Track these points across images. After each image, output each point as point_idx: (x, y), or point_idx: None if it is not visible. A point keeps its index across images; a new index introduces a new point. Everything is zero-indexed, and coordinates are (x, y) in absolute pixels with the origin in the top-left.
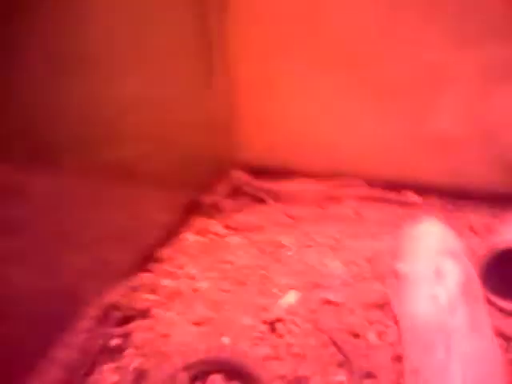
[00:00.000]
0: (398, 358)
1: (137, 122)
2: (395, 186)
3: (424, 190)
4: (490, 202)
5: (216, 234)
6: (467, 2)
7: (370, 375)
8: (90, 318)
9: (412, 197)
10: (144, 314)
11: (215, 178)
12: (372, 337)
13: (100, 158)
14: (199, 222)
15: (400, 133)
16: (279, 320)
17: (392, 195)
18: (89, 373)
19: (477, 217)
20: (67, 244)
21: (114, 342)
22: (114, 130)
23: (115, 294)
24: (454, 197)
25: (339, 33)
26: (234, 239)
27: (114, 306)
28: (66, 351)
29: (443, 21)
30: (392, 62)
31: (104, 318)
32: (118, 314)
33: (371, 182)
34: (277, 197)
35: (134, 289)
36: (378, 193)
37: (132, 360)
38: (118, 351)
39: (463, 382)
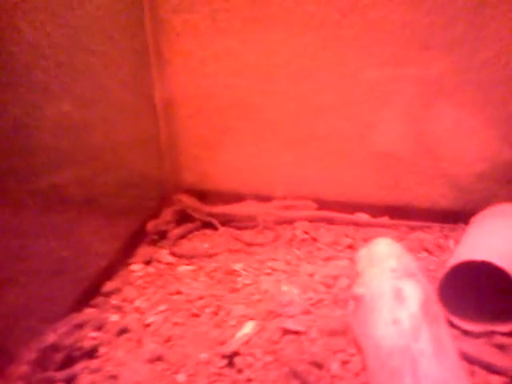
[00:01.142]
0: None
1: (73, 145)
2: (346, 206)
3: (375, 210)
4: (439, 219)
5: (164, 263)
6: (404, 20)
7: None
8: (26, 362)
9: (364, 217)
10: (90, 353)
11: (160, 204)
12: (335, 367)
13: (34, 185)
14: (146, 250)
15: (344, 152)
16: (237, 353)
17: (344, 216)
18: None
19: (429, 235)
20: None
21: None
22: (48, 154)
23: (56, 334)
24: (405, 216)
25: (280, 49)
26: (184, 268)
27: (55, 347)
28: None
29: (381, 38)
30: (333, 82)
31: (43, 362)
32: (59, 356)
33: (321, 204)
34: (226, 221)
35: (78, 326)
36: (329, 214)
37: None
38: None
39: None
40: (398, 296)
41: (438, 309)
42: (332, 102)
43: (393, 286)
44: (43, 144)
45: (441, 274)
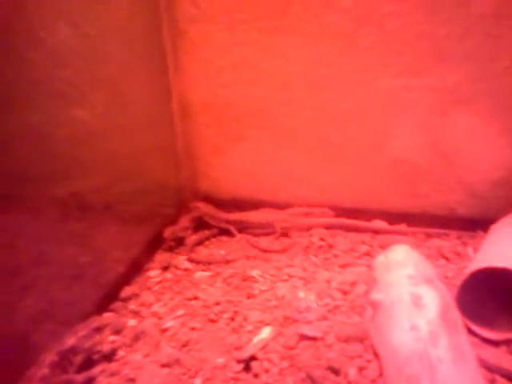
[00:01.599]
0: None
1: (91, 153)
2: (363, 214)
3: (392, 217)
4: (457, 226)
5: (181, 269)
6: (420, 30)
7: None
8: (46, 365)
9: (381, 224)
10: (108, 357)
11: (177, 211)
12: (353, 372)
13: (53, 192)
14: (163, 256)
15: (361, 159)
16: (254, 358)
17: (361, 223)
18: None
19: (446, 243)
20: (20, 283)
21: None
22: (67, 162)
23: (75, 337)
24: (422, 223)
25: (297, 58)
26: (201, 274)
27: (74, 350)
28: None
29: (397, 48)
30: (349, 90)
31: (63, 364)
32: (78, 359)
33: (338, 211)
34: (242, 228)
35: (97, 330)
36: (346, 221)
37: None
38: None
39: None
40: (417, 302)
41: (457, 316)
42: (348, 110)
43: (411, 292)
44: (62, 152)
45: (460, 280)
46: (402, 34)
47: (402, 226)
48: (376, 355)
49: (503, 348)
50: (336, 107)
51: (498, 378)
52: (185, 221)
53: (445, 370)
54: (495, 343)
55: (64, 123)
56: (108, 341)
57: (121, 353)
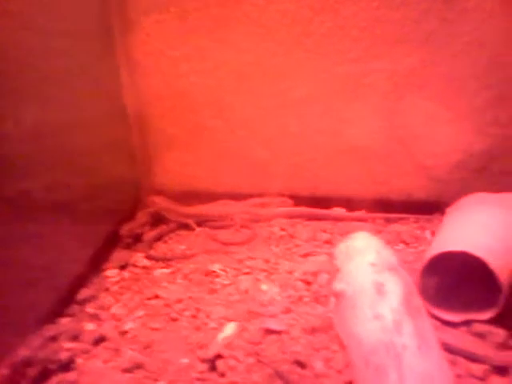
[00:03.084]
0: None
1: (42, 150)
2: (322, 202)
3: (352, 204)
4: (416, 210)
5: (140, 266)
6: (376, 15)
7: None
8: None
9: (341, 212)
10: (65, 366)
11: (134, 207)
12: (319, 365)
13: (2, 192)
14: (121, 255)
15: (319, 147)
16: (219, 356)
17: (320, 212)
18: None
19: (405, 227)
20: None
21: None
22: (16, 160)
23: (28, 348)
24: (381, 209)
25: (252, 47)
26: (161, 271)
27: (28, 362)
28: None
29: (353, 34)
30: (306, 78)
31: (15, 378)
32: (33, 371)
33: (297, 200)
34: (202, 221)
35: (52, 338)
36: (306, 210)
37: None
38: None
39: None
40: (380, 290)
41: (419, 301)
42: (306, 97)
43: (373, 280)
44: (9, 149)
45: (420, 265)
46: (358, 19)
47: (362, 213)
48: (342, 346)
49: (463, 329)
50: (293, 95)
51: (459, 359)
52: (142, 216)
53: (410, 357)
54: (456, 325)
55: (13, 120)
56: (65, 348)
57: (79, 360)
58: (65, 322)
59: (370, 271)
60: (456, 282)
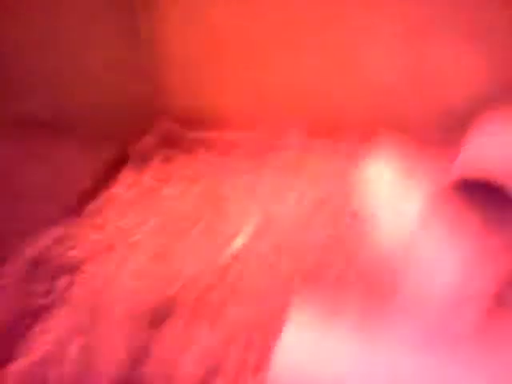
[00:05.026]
0: None
1: (46, 67)
2: (338, 133)
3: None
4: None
5: (148, 186)
6: None
7: None
8: (7, 275)
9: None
10: (74, 269)
11: (143, 129)
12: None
13: (8, 111)
14: (128, 175)
15: (335, 80)
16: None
17: (336, 143)
18: (15, 339)
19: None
20: None
21: (42, 300)
22: (20, 78)
23: (37, 247)
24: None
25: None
26: (168, 191)
27: (37, 260)
28: None
29: None
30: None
31: (26, 274)
32: (42, 269)
33: (311, 131)
34: (210, 147)
35: (60, 241)
36: (319, 142)
37: (66, 319)
38: (47, 311)
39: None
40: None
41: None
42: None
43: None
44: (16, 65)
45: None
46: None
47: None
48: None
49: None
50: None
51: None
52: (151, 139)
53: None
54: None
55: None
56: (72, 253)
57: (87, 266)
58: (72, 230)
59: (392, 192)
60: None
